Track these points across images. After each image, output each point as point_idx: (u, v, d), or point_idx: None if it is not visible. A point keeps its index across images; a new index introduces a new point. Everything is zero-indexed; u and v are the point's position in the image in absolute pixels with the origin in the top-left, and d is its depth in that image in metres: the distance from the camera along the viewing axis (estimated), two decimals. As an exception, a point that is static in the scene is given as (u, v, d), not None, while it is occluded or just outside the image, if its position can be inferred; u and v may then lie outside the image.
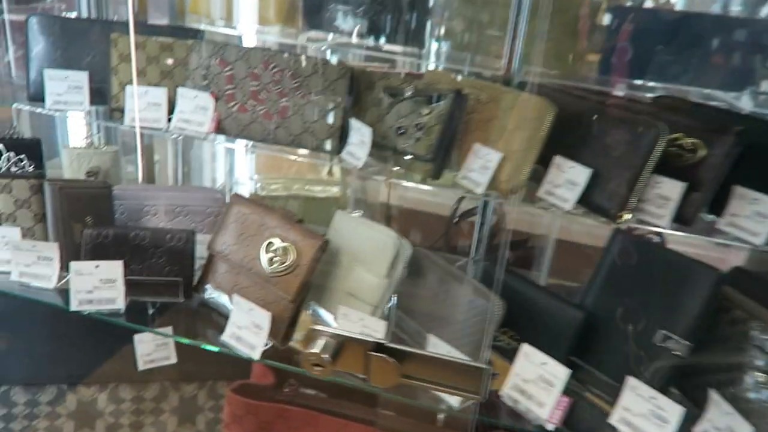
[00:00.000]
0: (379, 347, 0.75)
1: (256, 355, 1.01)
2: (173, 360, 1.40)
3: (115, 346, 1.44)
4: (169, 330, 1.22)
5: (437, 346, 0.97)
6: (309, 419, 1.13)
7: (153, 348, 1.39)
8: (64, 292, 1.16)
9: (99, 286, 1.09)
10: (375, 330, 1.00)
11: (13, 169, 1.18)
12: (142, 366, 1.39)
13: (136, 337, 1.35)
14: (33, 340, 1.39)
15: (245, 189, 2.11)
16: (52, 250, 1.13)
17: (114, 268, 1.08)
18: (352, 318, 1.01)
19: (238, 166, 2.17)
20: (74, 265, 1.07)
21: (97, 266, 1.08)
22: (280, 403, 1.16)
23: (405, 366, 0.75)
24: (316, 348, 0.75)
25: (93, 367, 1.43)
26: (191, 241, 1.14)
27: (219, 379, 1.51)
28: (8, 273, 1.16)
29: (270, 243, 1.06)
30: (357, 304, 1.04)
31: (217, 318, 1.17)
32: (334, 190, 2.10)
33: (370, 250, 1.05)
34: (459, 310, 1.02)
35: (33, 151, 1.31)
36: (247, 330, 1.03)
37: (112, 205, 1.21)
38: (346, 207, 1.87)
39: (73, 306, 1.09)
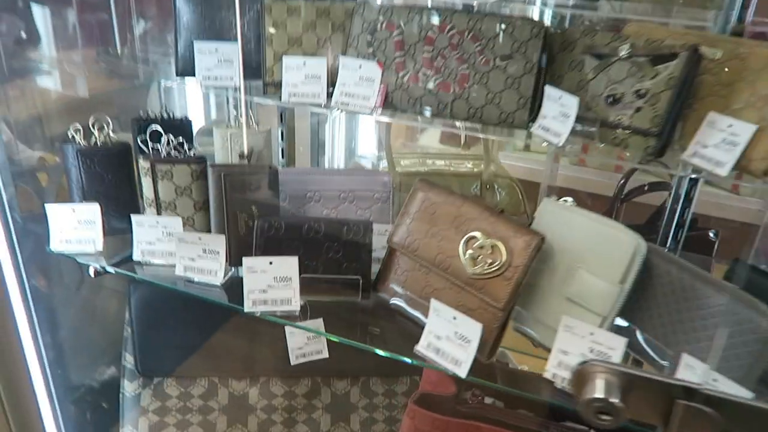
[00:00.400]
0: (686, 392, 0.57)
1: (462, 372, 0.86)
2: (325, 354, 1.29)
3: (266, 338, 1.36)
4: (315, 324, 1.08)
5: (694, 369, 0.78)
6: (506, 440, 0.98)
7: (305, 341, 1.28)
8: (230, 289, 1.06)
9: (273, 284, 0.97)
10: (610, 347, 0.81)
11: (173, 153, 1.08)
12: (294, 360, 1.29)
13: (288, 329, 1.25)
14: (185, 331, 1.31)
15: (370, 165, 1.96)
16: (218, 242, 1.02)
17: (289, 265, 0.96)
18: (578, 331, 0.83)
19: (361, 140, 2.03)
20: (247, 261, 0.96)
21: (271, 262, 0.96)
22: (469, 419, 1.01)
23: (725, 418, 0.56)
24: (600, 390, 0.58)
25: (244, 359, 1.35)
26: (369, 234, 1.00)
27: (372, 375, 1.39)
28: (170, 266, 1.07)
29: (472, 238, 0.89)
30: (580, 313, 0.86)
31: (394, 318, 1.03)
32: (469, 165, 1.90)
33: (597, 249, 0.86)
34: (711, 322, 0.81)
35: (183, 131, 1.20)
36: (448, 341, 0.87)
37: (278, 192, 1.08)
38: (488, 183, 1.68)
39: (247, 307, 0.97)
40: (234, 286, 1.07)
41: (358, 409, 1.39)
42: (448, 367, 0.87)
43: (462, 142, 1.92)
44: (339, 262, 0.99)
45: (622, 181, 1.49)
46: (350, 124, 1.92)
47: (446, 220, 0.93)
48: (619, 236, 0.85)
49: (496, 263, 0.87)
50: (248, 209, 1.04)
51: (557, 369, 0.85)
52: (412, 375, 1.40)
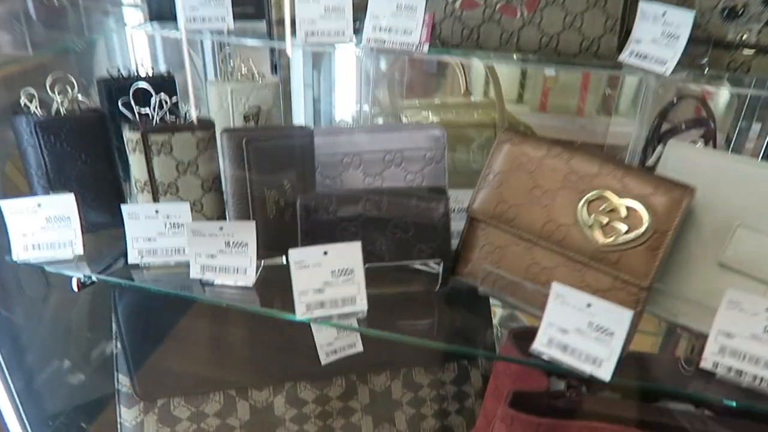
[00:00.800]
0: None
1: (605, 373, 0.66)
2: (359, 348, 1.08)
3: (287, 337, 1.13)
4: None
5: None
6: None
7: (335, 335, 1.07)
8: (261, 290, 0.82)
9: (331, 281, 0.74)
10: (795, 325, 0.64)
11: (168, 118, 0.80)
12: (324, 359, 1.07)
13: (314, 325, 1.03)
14: (188, 339, 1.07)
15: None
16: (246, 231, 0.77)
17: (350, 253, 0.73)
18: (748, 308, 0.65)
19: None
20: (295, 253, 0.72)
21: (326, 252, 0.73)
22: (571, 418, 0.83)
23: None
24: None
25: (263, 364, 1.12)
26: (445, 204, 0.78)
27: (414, 366, 1.19)
28: (180, 267, 0.82)
29: (598, 199, 0.69)
30: (740, 282, 0.68)
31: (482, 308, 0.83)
32: (477, 115, 1.68)
33: (760, 200, 0.68)
34: None
35: (166, 88, 0.92)
36: (579, 335, 0.67)
37: (314, 162, 0.84)
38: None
39: (301, 313, 0.74)
40: (265, 286, 0.84)
41: (402, 405, 1.20)
42: (582, 368, 0.68)
43: (463, 89, 1.71)
44: (409, 243, 0.77)
45: (656, 122, 1.32)
46: (327, 72, 1.64)
47: (553, 178, 0.72)
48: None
49: (636, 230, 0.67)
50: (279, 185, 0.80)
51: (719, 356, 0.67)
52: (459, 360, 1.21)
